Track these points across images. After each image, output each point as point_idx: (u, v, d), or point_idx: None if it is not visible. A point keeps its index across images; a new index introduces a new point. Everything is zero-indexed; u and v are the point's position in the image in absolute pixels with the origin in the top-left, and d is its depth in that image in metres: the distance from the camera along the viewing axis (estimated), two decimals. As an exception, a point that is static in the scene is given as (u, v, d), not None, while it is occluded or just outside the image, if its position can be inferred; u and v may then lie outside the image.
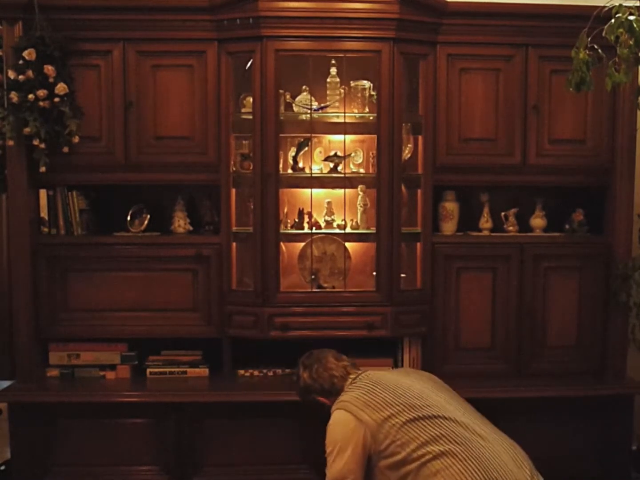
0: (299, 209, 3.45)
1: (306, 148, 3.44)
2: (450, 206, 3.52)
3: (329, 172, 3.45)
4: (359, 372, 2.60)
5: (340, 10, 3.16)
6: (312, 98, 3.38)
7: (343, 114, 3.34)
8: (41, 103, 3.06)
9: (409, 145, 3.44)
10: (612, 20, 2.53)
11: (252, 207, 3.31)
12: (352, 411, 2.37)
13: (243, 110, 3.37)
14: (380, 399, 2.37)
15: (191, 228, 3.49)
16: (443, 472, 2.19)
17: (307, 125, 3.39)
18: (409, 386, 2.46)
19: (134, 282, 3.33)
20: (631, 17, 2.51)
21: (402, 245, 3.36)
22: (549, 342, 3.45)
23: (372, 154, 3.39)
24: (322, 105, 3.41)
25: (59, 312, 3.33)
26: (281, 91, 3.30)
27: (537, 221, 3.55)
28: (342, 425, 2.37)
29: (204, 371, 3.43)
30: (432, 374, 2.76)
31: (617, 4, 2.57)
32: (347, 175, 3.42)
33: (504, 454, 2.31)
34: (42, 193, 3.32)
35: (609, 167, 3.41)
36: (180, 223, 3.47)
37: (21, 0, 3.10)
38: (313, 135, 3.43)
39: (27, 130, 3.07)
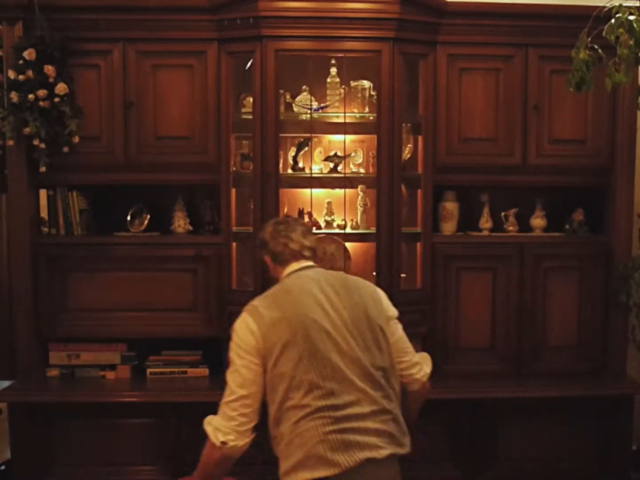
0: (299, 209, 3.46)
1: (306, 148, 3.44)
2: (450, 206, 3.52)
3: (329, 172, 3.45)
4: (305, 265, 2.31)
5: (340, 10, 3.16)
6: (312, 98, 3.38)
7: (343, 114, 3.34)
8: (41, 103, 3.06)
9: (409, 145, 3.44)
10: (612, 20, 2.53)
11: (252, 207, 3.31)
12: (255, 318, 2.15)
13: (243, 110, 3.37)
14: (284, 327, 2.09)
15: (191, 228, 3.49)
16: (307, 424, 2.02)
17: (307, 125, 3.39)
18: (313, 326, 2.10)
19: (134, 282, 3.33)
20: (631, 17, 2.51)
21: (402, 245, 3.36)
22: (549, 342, 3.45)
23: (372, 154, 3.39)
24: (322, 105, 3.41)
25: (59, 312, 3.33)
26: (281, 91, 3.30)
27: (537, 221, 3.55)
28: (243, 333, 2.17)
29: (204, 371, 3.43)
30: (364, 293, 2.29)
31: (617, 4, 2.57)
32: (347, 175, 3.42)
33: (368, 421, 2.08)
34: (42, 193, 3.32)
35: (609, 167, 3.41)
36: (180, 223, 3.47)
37: (21, 0, 3.10)
38: (313, 135, 3.43)
39: (27, 130, 3.07)
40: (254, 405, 2.11)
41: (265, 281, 3.25)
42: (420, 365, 2.39)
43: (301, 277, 2.27)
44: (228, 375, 2.14)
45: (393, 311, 2.36)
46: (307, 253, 2.36)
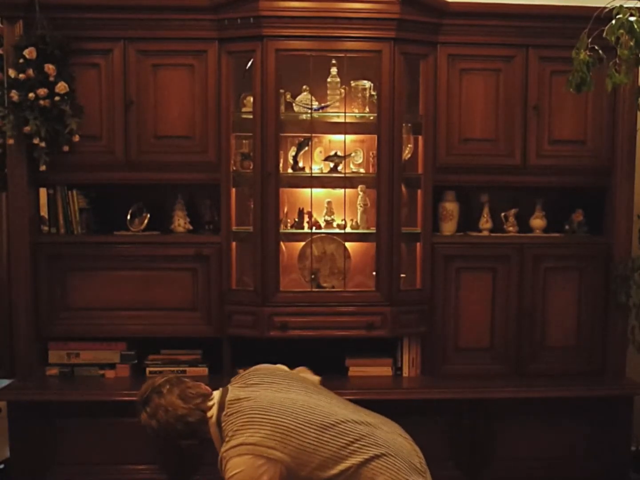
0: (299, 208, 3.46)
1: (306, 148, 3.44)
2: (450, 206, 3.52)
3: (329, 172, 3.45)
4: (217, 397, 2.31)
5: (341, 10, 3.16)
6: (313, 98, 3.38)
7: (343, 114, 3.34)
8: (41, 102, 3.06)
9: (409, 145, 3.44)
10: (613, 21, 2.53)
11: (252, 206, 3.31)
12: (262, 453, 2.13)
13: (243, 109, 3.37)
14: (285, 429, 2.17)
15: (191, 227, 3.49)
16: (383, 470, 2.17)
17: (307, 125, 3.39)
18: (298, 400, 2.29)
19: (134, 281, 3.33)
20: (632, 18, 2.51)
21: (402, 245, 3.36)
22: (549, 342, 3.45)
23: (372, 154, 3.39)
24: (323, 105, 3.41)
25: (58, 311, 3.33)
26: (282, 91, 3.30)
27: (537, 221, 3.55)
28: (256, 472, 2.11)
29: (203, 370, 3.43)
30: (290, 371, 2.60)
31: (617, 5, 2.57)
32: (347, 175, 3.42)
33: (398, 437, 2.37)
34: (42, 192, 3.32)
35: (609, 167, 3.41)
36: (180, 222, 3.47)
37: (22, -1, 3.11)
38: (313, 135, 3.44)
39: (27, 129, 3.07)
40: None
41: (265, 281, 3.26)
42: None
43: (241, 398, 2.26)
44: None
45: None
46: (204, 405, 2.30)
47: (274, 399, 2.26)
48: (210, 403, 2.30)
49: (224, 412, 2.25)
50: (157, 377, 2.40)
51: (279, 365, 2.63)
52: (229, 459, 2.14)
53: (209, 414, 2.28)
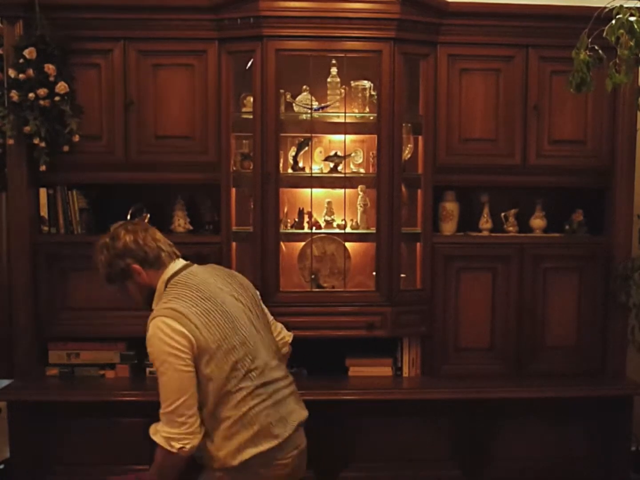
0: (299, 208, 3.46)
1: (306, 148, 3.44)
2: (450, 206, 3.52)
3: (329, 172, 3.45)
4: (185, 263, 2.41)
5: (341, 10, 3.17)
6: (313, 98, 3.38)
7: (343, 114, 3.34)
8: (42, 102, 3.06)
9: (409, 145, 3.44)
10: (613, 21, 2.53)
11: (252, 206, 3.31)
12: (181, 322, 2.17)
13: (243, 109, 3.37)
14: (212, 321, 2.21)
15: (191, 227, 3.49)
16: (253, 401, 2.25)
17: (307, 125, 3.39)
18: (235, 316, 2.30)
19: (134, 281, 3.33)
20: (632, 18, 2.51)
21: (402, 245, 3.36)
22: (549, 342, 3.45)
23: (372, 154, 3.40)
24: (323, 105, 3.41)
25: (58, 311, 3.33)
26: (282, 91, 3.30)
27: (537, 222, 3.55)
28: (168, 338, 2.15)
29: (203, 370, 3.43)
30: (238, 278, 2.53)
31: (617, 5, 2.57)
32: (347, 175, 3.42)
33: (281, 391, 2.38)
34: (42, 192, 3.32)
35: (609, 167, 3.41)
36: (180, 222, 3.47)
37: (22, -1, 3.11)
38: (313, 135, 3.44)
39: (27, 129, 3.07)
40: (195, 402, 2.19)
41: (265, 281, 3.26)
42: (285, 330, 2.65)
43: (194, 274, 2.37)
44: (162, 384, 2.18)
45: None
46: (177, 252, 2.44)
47: (218, 295, 2.31)
48: (173, 262, 2.39)
49: (177, 277, 2.33)
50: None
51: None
52: (151, 320, 2.21)
53: (168, 265, 2.35)
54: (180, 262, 2.41)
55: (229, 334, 2.24)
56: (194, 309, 2.21)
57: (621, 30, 2.51)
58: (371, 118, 3.37)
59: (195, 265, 2.44)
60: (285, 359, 2.62)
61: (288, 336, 2.64)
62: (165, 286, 2.33)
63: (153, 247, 2.36)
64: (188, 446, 2.16)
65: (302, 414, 2.42)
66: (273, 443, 2.24)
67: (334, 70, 3.41)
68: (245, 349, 2.27)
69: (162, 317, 2.19)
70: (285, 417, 2.31)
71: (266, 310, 2.54)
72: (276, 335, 2.54)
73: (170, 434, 2.16)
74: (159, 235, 2.42)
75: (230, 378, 2.22)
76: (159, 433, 2.19)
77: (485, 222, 3.56)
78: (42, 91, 3.05)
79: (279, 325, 2.63)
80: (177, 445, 2.16)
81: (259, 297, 2.51)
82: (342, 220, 3.43)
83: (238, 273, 2.57)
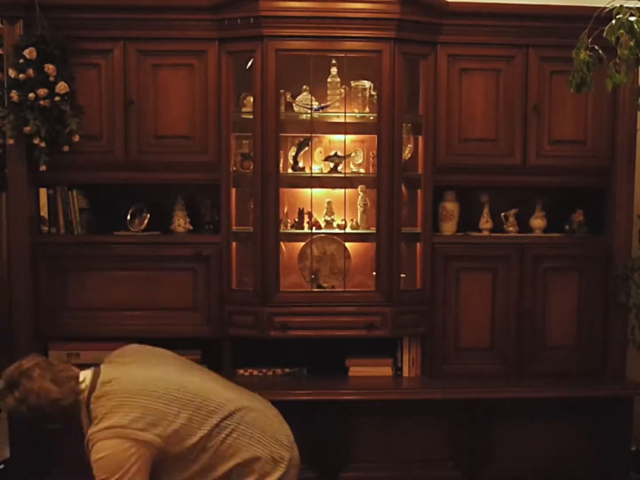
0: (299, 208, 3.46)
1: (306, 148, 3.44)
2: (450, 206, 3.52)
3: (329, 172, 3.45)
4: (89, 378, 2.32)
5: (341, 10, 3.16)
6: (313, 98, 3.38)
7: (343, 114, 3.34)
8: (42, 102, 3.06)
9: (409, 145, 3.44)
10: (613, 21, 2.53)
11: (252, 206, 3.31)
12: (130, 436, 2.16)
13: (243, 109, 3.37)
14: (154, 411, 2.22)
15: (191, 227, 3.49)
16: (242, 439, 2.33)
17: (307, 125, 3.39)
18: (169, 379, 2.35)
19: (134, 282, 3.33)
20: (632, 18, 2.51)
21: (402, 245, 3.36)
22: (549, 342, 3.45)
23: (372, 154, 3.39)
24: (323, 105, 3.41)
25: (58, 311, 3.33)
26: (282, 91, 3.30)
27: (537, 222, 3.55)
28: (124, 454, 2.14)
29: (203, 370, 3.43)
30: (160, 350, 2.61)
31: (617, 5, 2.57)
32: (347, 175, 3.42)
33: (267, 413, 2.51)
34: (42, 192, 3.32)
35: (609, 167, 3.41)
36: (180, 222, 3.47)
37: (22, -1, 3.11)
38: (313, 135, 3.43)
39: (27, 129, 3.07)
40: None
41: (265, 281, 3.26)
42: None
43: (113, 381, 2.28)
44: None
45: None
46: (77, 387, 2.30)
47: (147, 380, 2.30)
48: (82, 386, 2.30)
49: (94, 394, 2.26)
50: (23, 360, 2.34)
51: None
52: (95, 442, 2.16)
53: (81, 396, 2.28)
54: (87, 378, 2.32)
55: (174, 419, 2.25)
56: (138, 415, 2.20)
57: (621, 30, 2.51)
58: (371, 118, 3.37)
59: (104, 366, 2.38)
60: None
61: None
62: (88, 405, 2.27)
63: (53, 411, 2.26)
64: None
65: None
66: None
67: (334, 70, 3.41)
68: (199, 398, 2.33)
69: (113, 440, 2.16)
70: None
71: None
72: None
73: None
74: (49, 389, 2.24)
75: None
76: None
77: (485, 222, 3.55)
78: (42, 91, 3.05)
79: None
80: None
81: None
82: (342, 220, 3.43)
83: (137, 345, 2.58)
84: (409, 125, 3.41)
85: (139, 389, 2.26)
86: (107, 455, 2.15)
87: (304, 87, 3.39)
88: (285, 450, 2.41)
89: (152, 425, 2.20)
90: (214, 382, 2.52)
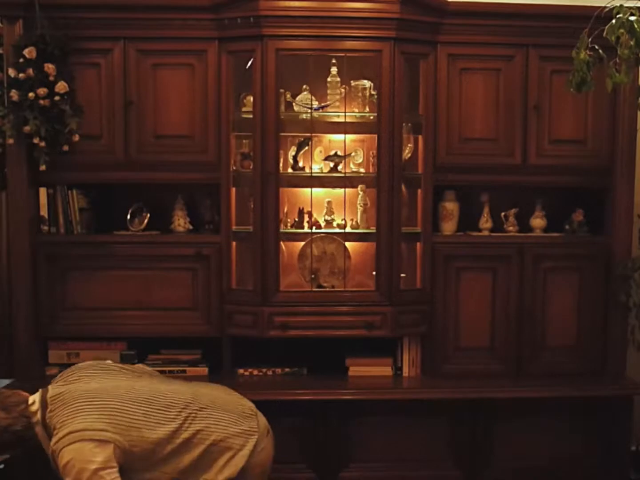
0: (299, 208, 3.45)
1: (306, 147, 3.44)
2: (450, 206, 3.52)
3: (329, 172, 3.45)
4: (38, 399, 2.34)
5: (341, 9, 3.16)
6: (313, 97, 3.38)
7: (343, 114, 3.34)
8: (41, 101, 3.06)
9: (409, 145, 3.44)
10: (613, 21, 2.53)
11: (252, 206, 3.31)
12: (92, 437, 2.20)
13: (243, 109, 3.37)
14: (111, 409, 2.27)
15: (191, 227, 3.49)
16: (206, 423, 2.38)
17: (307, 124, 3.39)
18: (121, 384, 2.41)
19: (134, 281, 3.33)
20: (632, 18, 2.51)
21: (402, 245, 3.36)
22: (549, 342, 3.45)
23: (373, 153, 3.39)
24: (323, 104, 3.41)
25: (58, 311, 3.33)
26: (282, 90, 3.30)
27: (537, 221, 3.55)
28: (88, 456, 2.17)
29: (203, 370, 3.43)
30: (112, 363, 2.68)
31: (618, 5, 2.57)
32: (347, 174, 3.42)
33: (222, 395, 2.56)
34: (42, 191, 3.32)
35: (609, 167, 3.41)
36: (180, 222, 3.46)
37: (22, -2, 3.11)
38: (313, 134, 3.43)
39: (27, 128, 3.07)
40: None
41: (265, 281, 3.26)
42: None
43: (63, 393, 2.33)
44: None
45: None
46: (27, 411, 2.34)
47: (98, 388, 2.35)
48: (33, 408, 2.34)
49: (48, 410, 2.30)
50: None
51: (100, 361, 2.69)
52: (60, 451, 2.20)
53: (33, 419, 2.32)
54: (36, 401, 2.35)
55: (131, 416, 2.29)
56: (95, 416, 2.24)
57: (621, 30, 2.51)
58: (371, 118, 3.37)
59: (50, 386, 2.42)
60: None
61: None
62: (44, 423, 2.30)
63: (7, 437, 2.31)
64: None
65: None
66: None
67: (334, 69, 3.41)
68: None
69: (75, 444, 2.19)
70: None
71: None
72: None
73: None
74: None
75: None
76: None
77: (485, 222, 3.55)
78: (42, 91, 3.05)
79: None
80: None
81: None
82: (342, 220, 3.43)
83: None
84: (409, 124, 3.41)
85: (92, 395, 2.31)
86: (72, 458, 2.18)
87: (304, 86, 3.39)
88: (252, 420, 2.47)
89: (110, 424, 2.24)
90: (163, 382, 2.58)
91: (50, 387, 2.41)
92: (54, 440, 2.24)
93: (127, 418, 2.28)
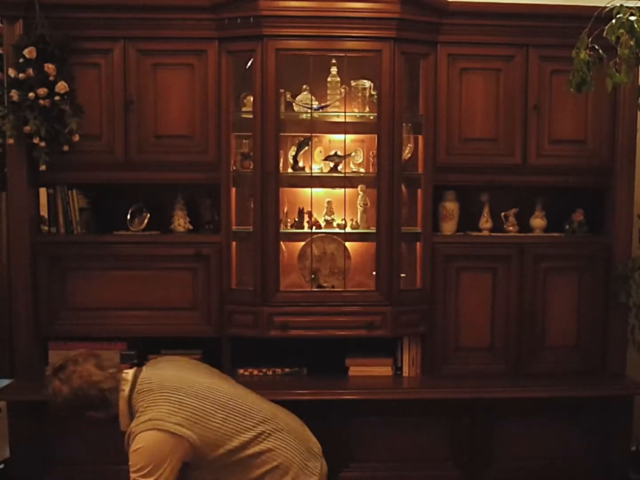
0: (299, 208, 3.45)
1: (306, 147, 3.44)
2: (450, 206, 3.52)
3: (329, 172, 3.45)
4: (132, 374, 2.45)
5: (341, 9, 3.16)
6: (313, 97, 3.38)
7: (343, 114, 3.34)
8: (41, 101, 3.06)
9: (409, 145, 3.44)
10: (613, 21, 2.53)
11: (252, 206, 3.31)
12: (168, 429, 2.26)
13: (243, 109, 3.37)
14: (192, 408, 2.33)
15: (191, 227, 3.49)
16: (278, 444, 2.41)
17: (307, 124, 3.39)
18: (204, 383, 2.46)
19: (134, 281, 3.33)
20: (632, 18, 2.52)
21: (402, 245, 3.36)
22: (549, 342, 3.45)
23: (372, 153, 3.39)
24: (323, 104, 3.41)
25: (58, 311, 3.33)
26: (282, 90, 3.30)
27: (537, 221, 3.55)
28: (160, 447, 2.25)
29: (203, 370, 3.43)
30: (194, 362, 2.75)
31: (617, 5, 2.57)
32: (347, 174, 3.42)
33: (297, 424, 2.60)
34: (42, 191, 3.32)
35: (609, 167, 3.41)
36: (180, 222, 3.46)
37: (22, -2, 3.11)
38: (313, 134, 3.43)
39: (27, 128, 3.07)
40: None
41: (265, 281, 3.26)
42: None
43: (153, 378, 2.41)
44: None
45: None
46: (119, 376, 2.44)
47: (183, 379, 2.41)
48: (125, 377, 2.43)
49: (136, 390, 2.37)
50: (72, 352, 2.51)
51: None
52: (136, 435, 2.27)
53: (122, 386, 2.40)
54: (129, 373, 2.45)
55: (210, 418, 2.34)
56: (176, 409, 2.30)
57: (621, 30, 2.52)
58: (371, 118, 3.37)
59: (145, 367, 2.51)
60: None
61: None
62: (130, 401, 2.38)
63: (94, 393, 2.39)
64: None
65: None
66: None
67: (334, 69, 3.41)
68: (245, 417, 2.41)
69: (151, 431, 2.26)
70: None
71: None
72: None
73: None
74: (95, 373, 2.40)
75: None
76: None
77: (485, 222, 3.55)
78: (42, 91, 3.05)
79: None
80: None
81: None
82: (342, 220, 3.43)
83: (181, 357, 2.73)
84: (409, 124, 3.41)
85: (177, 386, 2.37)
86: (143, 446, 2.26)
87: (304, 86, 3.39)
88: (317, 460, 2.50)
89: (188, 421, 2.30)
90: (244, 390, 2.62)
91: (144, 368, 2.49)
92: (134, 422, 2.31)
93: (206, 420, 2.33)
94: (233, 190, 3.34)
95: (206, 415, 2.34)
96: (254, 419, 2.42)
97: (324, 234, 3.46)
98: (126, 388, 2.40)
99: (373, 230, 3.35)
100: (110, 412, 2.42)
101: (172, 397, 2.33)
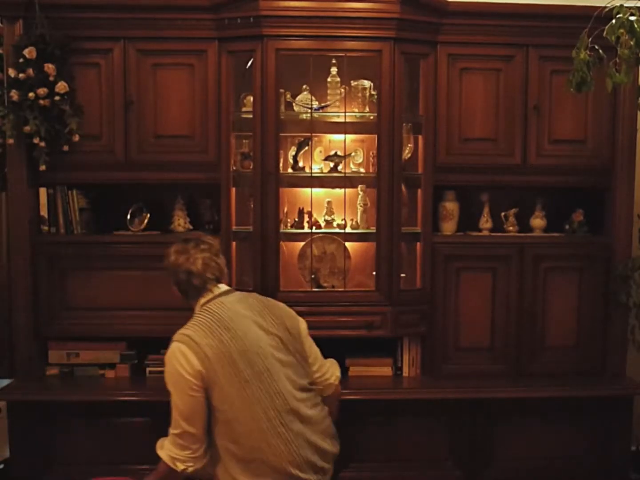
0: (299, 208, 3.46)
1: (306, 147, 3.44)
2: (450, 206, 3.52)
3: (329, 172, 3.45)
4: (218, 292, 2.43)
5: (341, 9, 3.16)
6: (313, 97, 3.38)
7: (343, 114, 3.34)
8: (41, 101, 3.06)
9: (409, 145, 3.44)
10: (613, 21, 2.53)
11: (252, 206, 3.31)
12: (194, 350, 2.23)
13: (243, 109, 3.37)
14: (225, 356, 2.25)
15: (191, 227, 3.49)
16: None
17: (307, 124, 3.39)
18: (254, 349, 2.31)
19: (134, 281, 3.33)
20: (632, 18, 2.52)
21: (402, 245, 3.36)
22: (549, 342, 3.45)
23: (373, 153, 3.39)
24: (323, 104, 3.41)
25: (58, 311, 3.33)
26: (282, 90, 3.30)
27: (537, 221, 3.55)
28: (179, 365, 2.23)
29: (203, 370, 3.42)
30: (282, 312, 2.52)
31: (618, 5, 2.57)
32: (347, 174, 3.42)
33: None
34: (42, 191, 3.32)
35: (609, 167, 3.41)
36: (180, 222, 3.47)
37: (22, -2, 3.11)
38: (313, 134, 3.43)
39: (27, 128, 3.07)
40: (201, 435, 2.26)
41: (265, 281, 3.26)
42: (332, 370, 2.63)
43: (225, 303, 2.39)
44: (173, 404, 2.27)
45: (304, 323, 2.55)
46: (212, 283, 2.44)
47: (248, 330, 2.33)
48: (215, 288, 2.43)
49: (208, 305, 2.39)
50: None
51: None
52: (173, 341, 2.31)
53: (204, 293, 2.42)
54: (220, 288, 2.46)
55: (242, 368, 2.26)
56: (208, 340, 2.26)
57: (621, 30, 2.52)
58: (371, 118, 3.37)
59: (235, 292, 2.49)
60: (331, 402, 2.61)
61: (333, 377, 2.61)
62: (199, 309, 2.40)
63: (182, 280, 2.44)
64: (191, 468, 2.25)
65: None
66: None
67: (334, 69, 3.41)
68: (260, 382, 2.28)
69: (178, 343, 2.27)
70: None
71: (309, 345, 2.53)
72: (320, 375, 2.54)
73: (176, 455, 2.25)
74: (197, 265, 2.43)
75: (241, 410, 2.24)
76: (164, 450, 2.27)
77: (485, 222, 3.56)
78: (42, 91, 3.05)
79: (327, 365, 2.60)
80: (181, 466, 2.25)
81: (301, 331, 2.50)
82: (342, 220, 3.43)
83: (281, 304, 2.55)
84: (409, 124, 3.41)
85: (226, 326, 2.30)
86: (170, 355, 2.28)
87: (304, 86, 3.39)
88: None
89: (214, 358, 2.23)
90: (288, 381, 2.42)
91: (239, 293, 2.48)
92: (175, 335, 2.32)
93: (231, 369, 2.25)
94: (233, 190, 3.34)
95: (232, 373, 2.25)
96: (274, 401, 2.29)
97: (324, 234, 3.46)
98: (203, 299, 2.41)
99: (373, 230, 3.35)
100: (187, 301, 2.47)
101: (217, 334, 2.27)
